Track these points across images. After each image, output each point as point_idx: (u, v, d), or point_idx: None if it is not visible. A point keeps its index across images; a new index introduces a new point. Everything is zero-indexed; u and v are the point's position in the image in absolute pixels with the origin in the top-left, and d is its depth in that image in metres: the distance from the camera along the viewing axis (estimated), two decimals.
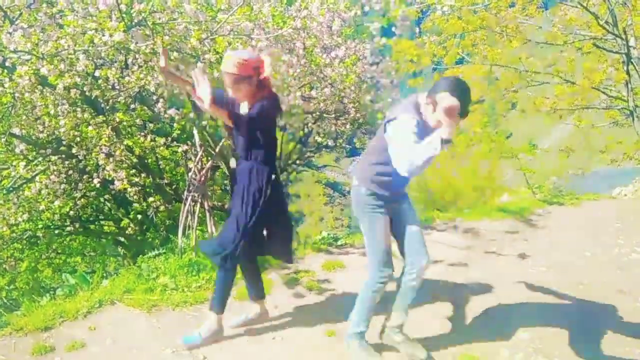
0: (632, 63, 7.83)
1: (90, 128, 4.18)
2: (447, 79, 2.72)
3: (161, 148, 4.58)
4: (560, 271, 4.63)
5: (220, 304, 3.31)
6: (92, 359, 3.16)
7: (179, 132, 4.64)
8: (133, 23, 3.84)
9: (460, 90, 2.61)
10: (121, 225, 5.60)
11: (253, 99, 3.03)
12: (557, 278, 4.45)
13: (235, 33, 4.01)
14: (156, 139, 4.60)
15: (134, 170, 4.55)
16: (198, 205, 4.62)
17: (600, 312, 3.72)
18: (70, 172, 5.01)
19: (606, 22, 7.52)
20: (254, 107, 2.98)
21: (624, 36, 7.62)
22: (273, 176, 3.19)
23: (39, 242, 5.66)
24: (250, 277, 3.52)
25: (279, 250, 3.47)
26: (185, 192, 4.62)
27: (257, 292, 3.55)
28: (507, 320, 3.62)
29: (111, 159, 4.28)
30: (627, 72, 7.92)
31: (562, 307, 3.84)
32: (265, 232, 3.31)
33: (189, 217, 4.53)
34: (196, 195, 4.58)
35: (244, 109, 3.10)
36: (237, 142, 3.19)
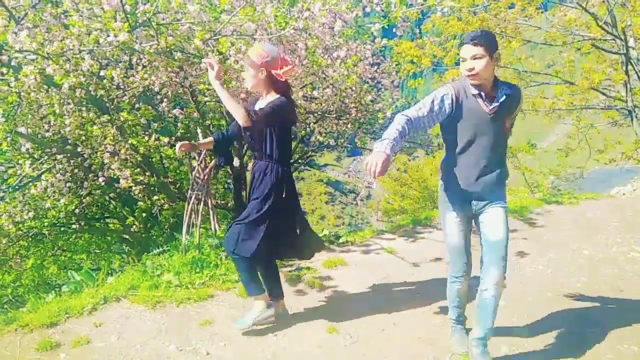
0: (630, 63, 7.86)
1: (95, 127, 4.21)
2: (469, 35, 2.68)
3: (165, 147, 4.61)
4: (558, 270, 4.65)
5: (250, 287, 3.43)
6: (97, 354, 3.18)
7: (182, 131, 4.66)
8: (137, 23, 3.86)
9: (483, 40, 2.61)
10: (126, 223, 5.62)
11: (266, 93, 3.21)
12: (556, 276, 4.48)
13: (238, 33, 4.04)
14: (160, 138, 4.63)
15: (138, 169, 4.58)
16: (202, 203, 4.65)
17: (599, 310, 3.73)
18: (76, 170, 5.04)
19: (605, 23, 7.54)
20: (269, 103, 3.12)
21: (623, 37, 7.65)
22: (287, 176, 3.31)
23: (44, 239, 5.66)
24: (271, 277, 3.55)
25: (302, 250, 3.53)
26: (189, 191, 4.65)
27: (277, 291, 3.57)
28: (506, 317, 3.63)
29: (116, 158, 4.32)
30: (626, 73, 7.94)
31: (560, 305, 3.85)
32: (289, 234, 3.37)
33: (193, 215, 4.56)
34: (200, 193, 4.61)
35: (258, 105, 3.24)
36: (253, 141, 3.29)
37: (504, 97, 2.72)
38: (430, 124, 2.75)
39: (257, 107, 3.19)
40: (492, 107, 2.73)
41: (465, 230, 2.99)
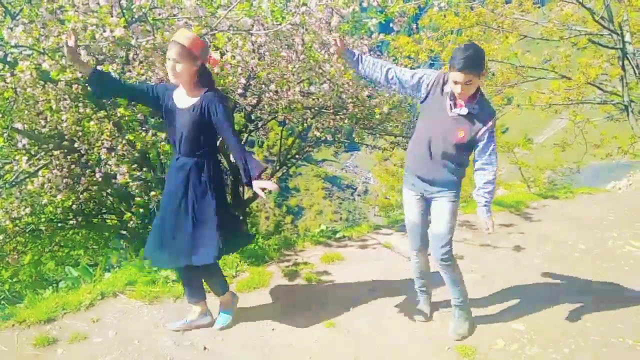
0: (627, 58, 7.87)
1: (92, 123, 4.20)
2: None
3: (162, 143, 4.60)
4: (554, 264, 4.66)
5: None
6: (95, 350, 3.17)
7: None
8: (133, 19, 3.85)
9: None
10: (123, 218, 5.61)
11: (194, 86, 2.96)
12: (552, 270, 4.49)
13: (235, 29, 4.03)
14: (157, 133, 4.62)
15: (135, 165, 4.57)
16: None
17: (595, 304, 3.74)
18: (73, 166, 5.03)
19: (602, 18, 7.55)
20: (212, 99, 2.92)
21: (619, 32, 7.66)
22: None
23: (42, 235, 5.65)
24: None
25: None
26: None
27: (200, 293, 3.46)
28: (502, 311, 3.67)
29: (113, 154, 4.31)
30: (622, 67, 7.95)
31: (556, 299, 3.86)
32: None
33: None
34: None
35: (180, 96, 3.00)
36: (179, 135, 3.01)
37: (467, 111, 2.92)
38: (401, 89, 3.16)
39: (182, 103, 2.97)
40: (453, 112, 2.97)
41: (420, 208, 3.29)
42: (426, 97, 3.07)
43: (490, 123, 2.94)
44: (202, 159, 3.02)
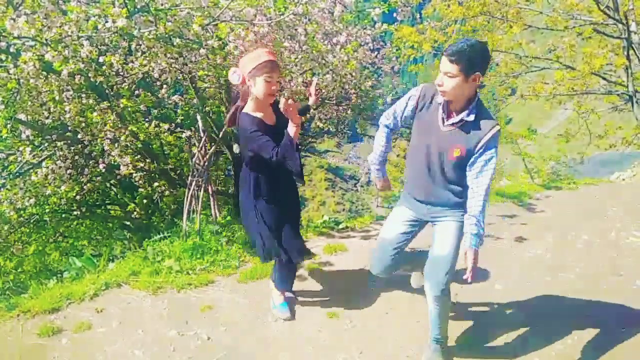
0: (632, 48, 7.78)
1: (95, 114, 4.20)
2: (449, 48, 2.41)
3: (165, 134, 4.60)
4: (558, 255, 4.65)
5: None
6: (99, 340, 3.20)
7: (182, 118, 4.64)
8: (136, 9, 3.84)
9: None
10: (127, 209, 5.63)
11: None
12: (555, 261, 4.48)
13: (238, 19, 4.01)
14: (160, 124, 4.62)
15: (138, 156, 4.58)
16: (202, 189, 4.66)
17: (598, 295, 3.74)
18: (76, 157, 5.04)
19: (607, 7, 7.47)
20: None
21: (624, 21, 7.57)
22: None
23: (46, 226, 5.69)
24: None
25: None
26: (190, 177, 4.66)
27: None
28: (504, 302, 3.67)
29: (116, 145, 4.31)
30: (628, 57, 7.87)
31: (559, 290, 3.86)
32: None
33: (193, 202, 4.57)
34: (200, 180, 4.61)
35: (267, 116, 3.08)
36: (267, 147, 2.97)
37: (460, 119, 2.53)
38: (406, 125, 2.89)
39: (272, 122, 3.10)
40: (446, 124, 2.60)
41: (404, 230, 2.98)
42: (417, 109, 2.72)
43: (488, 134, 2.50)
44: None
